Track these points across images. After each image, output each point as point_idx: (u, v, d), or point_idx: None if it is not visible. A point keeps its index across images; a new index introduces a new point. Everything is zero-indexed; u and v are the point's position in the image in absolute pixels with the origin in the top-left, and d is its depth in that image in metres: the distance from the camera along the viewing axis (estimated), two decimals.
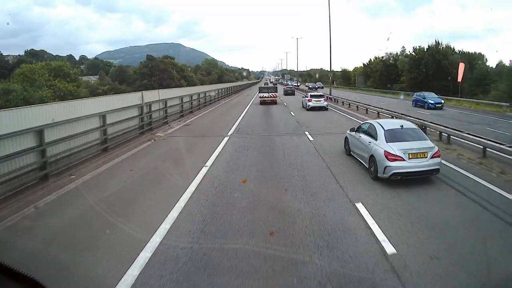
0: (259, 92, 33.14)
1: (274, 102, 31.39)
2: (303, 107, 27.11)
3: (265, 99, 31.08)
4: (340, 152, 11.01)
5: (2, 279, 1.31)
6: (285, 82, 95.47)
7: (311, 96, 26.43)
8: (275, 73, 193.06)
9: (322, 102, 25.47)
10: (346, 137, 10.77)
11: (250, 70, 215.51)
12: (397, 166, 7.48)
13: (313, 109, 25.09)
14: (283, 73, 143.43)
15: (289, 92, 47.76)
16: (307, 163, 9.83)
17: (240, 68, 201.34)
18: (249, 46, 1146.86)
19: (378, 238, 5.20)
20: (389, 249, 4.87)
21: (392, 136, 8.09)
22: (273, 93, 31.78)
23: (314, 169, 9.23)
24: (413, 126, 9.13)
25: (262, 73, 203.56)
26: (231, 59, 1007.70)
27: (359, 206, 6.44)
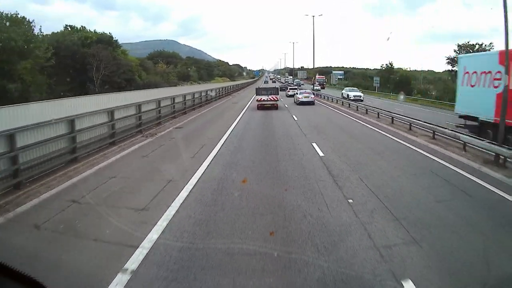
0: (256, 95, 28.93)
1: (274, 107, 26.62)
2: None
3: (263, 103, 26.83)
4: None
5: (2, 279, 1.30)
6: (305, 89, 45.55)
7: None
8: (276, 71, 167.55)
9: None
10: (293, 95, 32.91)
11: (249, 69, 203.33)
12: (300, 100, 29.85)
13: None
14: (289, 70, 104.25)
15: (282, 89, 59.52)
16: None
17: (235, 65, 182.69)
18: (249, 44, 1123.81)
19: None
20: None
21: (301, 91, 32.82)
22: (273, 96, 27.00)
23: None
24: (309, 90, 35.32)
25: (261, 71, 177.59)
26: (231, 58, 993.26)
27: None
